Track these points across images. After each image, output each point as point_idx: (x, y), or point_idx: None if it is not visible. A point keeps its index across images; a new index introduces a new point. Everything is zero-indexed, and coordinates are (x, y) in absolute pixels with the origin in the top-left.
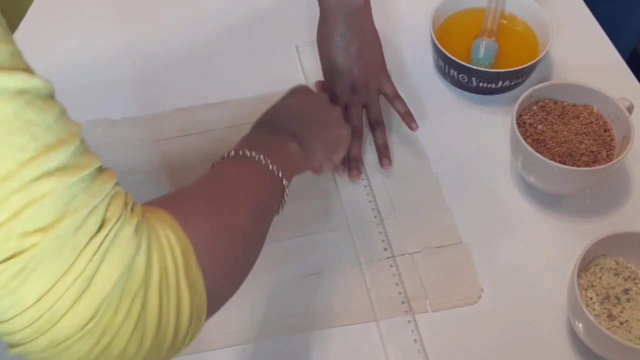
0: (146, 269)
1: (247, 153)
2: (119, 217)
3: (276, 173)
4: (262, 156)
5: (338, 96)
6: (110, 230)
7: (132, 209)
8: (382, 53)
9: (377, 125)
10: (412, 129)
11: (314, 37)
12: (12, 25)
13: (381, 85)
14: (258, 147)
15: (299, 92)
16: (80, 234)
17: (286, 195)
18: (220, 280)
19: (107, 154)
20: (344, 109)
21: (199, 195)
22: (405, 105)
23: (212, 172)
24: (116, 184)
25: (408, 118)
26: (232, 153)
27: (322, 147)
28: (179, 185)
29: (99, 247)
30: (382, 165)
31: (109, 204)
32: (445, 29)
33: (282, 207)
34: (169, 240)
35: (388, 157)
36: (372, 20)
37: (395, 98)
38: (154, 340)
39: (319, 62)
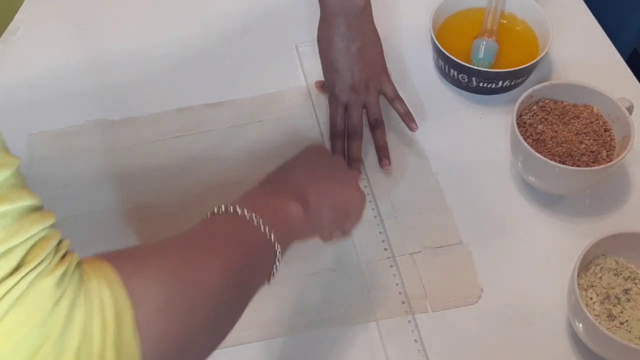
0: (63, 328)
1: (239, 210)
2: (39, 263)
3: (268, 236)
4: (254, 215)
5: (338, 96)
6: (25, 276)
7: (63, 257)
8: (382, 53)
9: (376, 125)
10: (411, 129)
11: (314, 37)
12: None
13: (381, 86)
14: (254, 205)
15: (312, 151)
16: None
17: (278, 261)
18: (173, 348)
19: (107, 154)
20: (344, 109)
21: (162, 251)
22: (405, 105)
23: (194, 227)
24: (51, 227)
25: (408, 118)
26: (223, 209)
27: (332, 212)
28: (178, 184)
29: (7, 292)
30: (381, 165)
31: (31, 247)
32: (445, 29)
33: (274, 274)
34: (102, 299)
35: (387, 157)
36: (373, 20)
37: (395, 98)
38: None
39: (319, 62)
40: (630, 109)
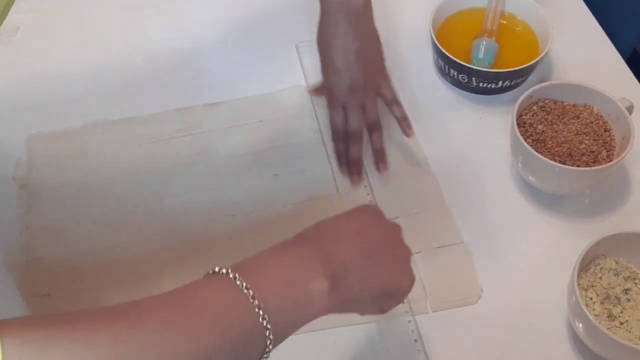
0: None
1: (237, 280)
2: None
3: (260, 318)
4: (251, 292)
5: (336, 96)
6: None
7: None
8: (382, 54)
9: (374, 128)
10: (406, 135)
11: (314, 36)
12: None
13: (380, 87)
14: (262, 274)
15: (366, 215)
16: None
17: (268, 349)
18: None
19: (107, 154)
20: (343, 110)
21: (101, 318)
22: (403, 109)
23: (175, 291)
24: None
25: (404, 124)
26: (224, 271)
27: (372, 295)
28: (178, 184)
29: None
30: (378, 169)
31: None
32: (445, 29)
33: None
34: None
35: (384, 161)
36: (373, 20)
37: (392, 102)
38: None
39: (319, 61)
40: (630, 109)
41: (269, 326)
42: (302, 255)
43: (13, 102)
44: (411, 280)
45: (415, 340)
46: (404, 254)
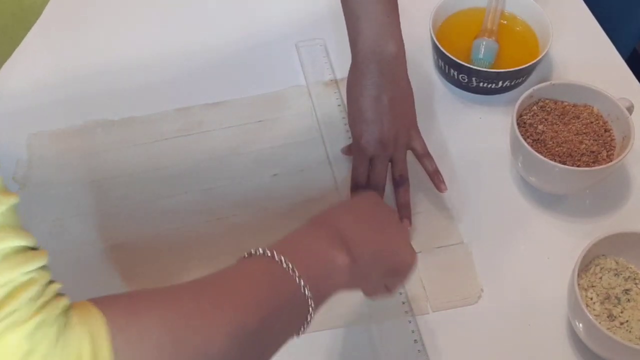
0: None
1: (276, 257)
2: (12, 313)
3: (302, 290)
4: (290, 265)
5: (364, 148)
6: None
7: (46, 303)
8: (414, 106)
9: (401, 182)
10: (440, 190)
11: (314, 35)
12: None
13: (410, 140)
14: (293, 251)
15: (366, 199)
16: None
17: (310, 316)
18: None
19: (107, 154)
20: (369, 162)
21: (166, 301)
22: (434, 163)
23: (220, 271)
24: (38, 269)
25: (437, 178)
26: (260, 251)
27: (381, 268)
28: (178, 184)
29: None
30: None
31: (7, 293)
32: (445, 29)
33: (304, 329)
34: (80, 355)
35: (409, 217)
36: (406, 69)
37: (424, 155)
38: None
39: (319, 62)
40: (630, 109)
41: (310, 294)
42: (323, 235)
43: (13, 102)
44: (414, 256)
45: (416, 341)
46: (404, 234)
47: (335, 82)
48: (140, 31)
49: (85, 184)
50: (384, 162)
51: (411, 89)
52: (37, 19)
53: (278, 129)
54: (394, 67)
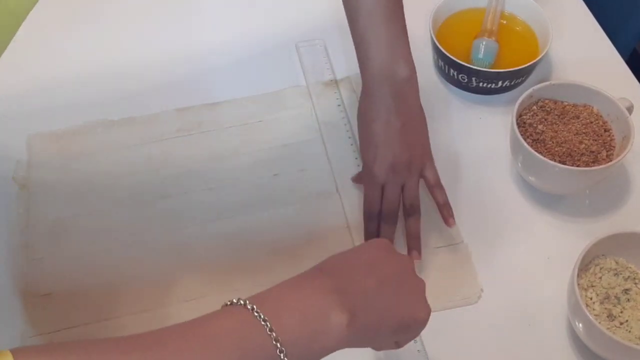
0: None
1: (255, 312)
2: None
3: (278, 351)
4: (269, 324)
5: (376, 175)
6: None
7: None
8: (427, 132)
9: (412, 211)
10: (448, 224)
11: (314, 35)
12: None
13: (423, 168)
14: (280, 306)
15: (379, 248)
16: None
17: None
18: None
19: (107, 154)
20: (381, 189)
21: (112, 348)
22: (445, 195)
23: (189, 321)
24: None
25: (446, 211)
26: (241, 302)
27: (390, 327)
28: (178, 184)
29: None
30: (410, 256)
31: None
32: (445, 29)
33: None
34: None
35: (418, 249)
36: (418, 93)
37: (435, 185)
38: None
39: (319, 62)
40: (630, 109)
41: (285, 358)
42: (319, 287)
43: (13, 102)
44: (428, 312)
45: (415, 341)
46: (419, 286)
47: (335, 82)
48: (140, 31)
49: (85, 184)
50: (395, 189)
51: (424, 113)
52: (20, 24)
53: (278, 129)
54: (406, 90)
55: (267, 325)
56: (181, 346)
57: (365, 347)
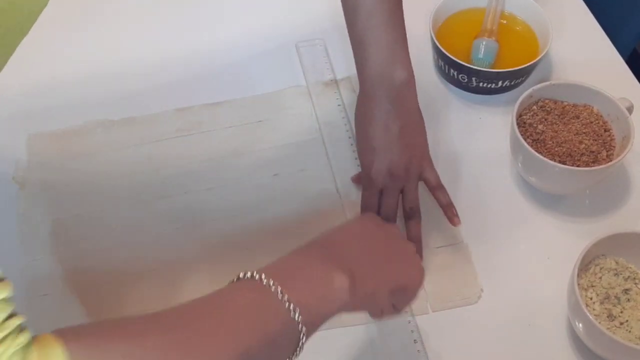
0: None
1: (265, 280)
2: None
3: (293, 315)
4: (279, 289)
5: (374, 179)
6: None
7: (5, 338)
8: (425, 135)
9: (412, 214)
10: (453, 223)
11: (314, 35)
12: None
13: (422, 171)
14: (285, 275)
15: (368, 221)
16: None
17: (302, 343)
18: None
19: (107, 154)
20: (379, 193)
21: (137, 334)
22: (448, 196)
23: (201, 300)
24: (1, 301)
25: (450, 211)
26: (249, 275)
27: (387, 290)
28: (178, 184)
29: None
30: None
31: None
32: (445, 29)
33: (297, 354)
34: None
35: (419, 252)
36: (416, 96)
37: (437, 187)
38: None
39: (319, 62)
40: (630, 109)
41: (300, 319)
42: (318, 257)
43: (13, 102)
44: (422, 272)
45: (415, 341)
46: (409, 250)
47: (335, 82)
48: (140, 31)
49: (85, 184)
50: (394, 194)
51: (422, 117)
52: (32, 25)
53: (278, 129)
54: (403, 93)
55: (279, 293)
56: (206, 320)
57: (365, 310)
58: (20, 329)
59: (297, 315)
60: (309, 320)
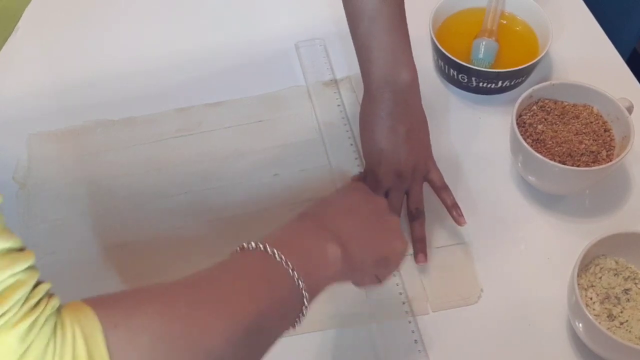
0: None
1: (269, 250)
2: (2, 315)
3: (297, 283)
4: (284, 258)
5: (381, 180)
6: None
7: (36, 304)
8: (429, 136)
9: (417, 215)
10: (459, 223)
11: (314, 35)
12: None
13: (427, 172)
14: (286, 245)
15: (356, 190)
16: None
17: (305, 309)
18: None
19: (107, 154)
20: (385, 194)
21: (160, 299)
22: (452, 196)
23: (214, 266)
24: (25, 270)
25: (456, 212)
26: (253, 245)
27: (372, 259)
28: (178, 184)
29: None
30: (417, 260)
31: None
32: (445, 29)
33: (300, 321)
34: (75, 354)
35: (424, 252)
36: (420, 98)
37: (442, 188)
38: None
39: (319, 61)
40: (630, 109)
41: (304, 286)
42: (310, 227)
43: (13, 102)
44: (404, 243)
45: (416, 341)
46: (394, 222)
47: (335, 82)
48: (140, 31)
49: (85, 184)
50: (399, 194)
51: (426, 118)
52: (15, 24)
53: (278, 129)
54: (408, 96)
55: (282, 260)
56: (225, 285)
57: (350, 280)
58: (49, 295)
59: (301, 282)
60: (310, 288)
